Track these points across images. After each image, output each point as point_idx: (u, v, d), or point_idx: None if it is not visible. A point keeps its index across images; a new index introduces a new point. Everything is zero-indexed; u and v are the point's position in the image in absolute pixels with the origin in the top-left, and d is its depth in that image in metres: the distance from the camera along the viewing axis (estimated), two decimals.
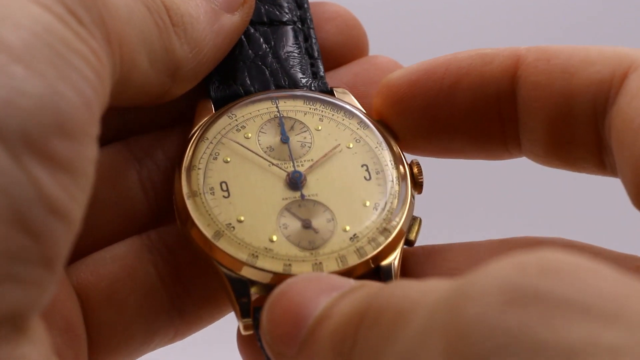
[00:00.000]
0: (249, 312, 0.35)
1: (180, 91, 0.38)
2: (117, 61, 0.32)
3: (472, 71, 0.38)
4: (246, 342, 0.37)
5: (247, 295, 0.35)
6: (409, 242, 0.38)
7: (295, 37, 0.42)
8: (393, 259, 0.37)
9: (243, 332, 0.36)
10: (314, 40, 0.42)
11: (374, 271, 0.36)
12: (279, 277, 0.35)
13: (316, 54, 0.42)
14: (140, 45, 0.34)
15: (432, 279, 0.28)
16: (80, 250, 0.37)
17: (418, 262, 0.39)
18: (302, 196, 0.37)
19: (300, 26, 0.42)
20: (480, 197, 0.86)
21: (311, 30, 0.42)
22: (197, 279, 0.39)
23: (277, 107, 0.40)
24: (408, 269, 0.38)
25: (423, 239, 0.39)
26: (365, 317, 0.29)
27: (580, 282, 0.24)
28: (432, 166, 0.42)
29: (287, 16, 0.42)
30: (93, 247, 0.39)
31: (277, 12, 0.42)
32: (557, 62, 0.37)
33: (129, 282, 0.38)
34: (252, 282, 0.35)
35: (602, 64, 0.35)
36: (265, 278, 0.35)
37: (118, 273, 0.38)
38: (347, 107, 0.40)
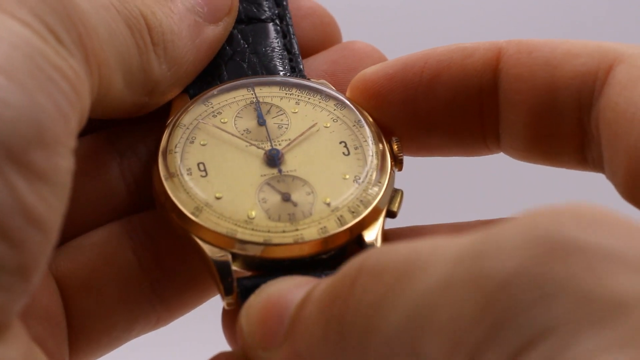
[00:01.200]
0: (232, 289, 0.35)
1: (157, 105, 0.38)
2: (95, 81, 0.32)
3: (453, 65, 0.38)
4: (231, 321, 0.36)
5: (230, 275, 0.35)
6: (391, 213, 0.38)
7: (274, 34, 0.42)
8: (376, 235, 0.36)
9: (226, 308, 0.35)
10: (292, 37, 0.42)
11: (356, 243, 0.36)
12: (260, 249, 0.35)
13: (295, 49, 0.42)
14: (118, 67, 0.34)
15: (432, 238, 0.28)
16: (60, 239, 0.37)
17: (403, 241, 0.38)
18: (280, 171, 0.37)
19: (278, 23, 0.42)
20: (462, 191, 0.86)
21: (290, 27, 0.42)
22: (177, 264, 0.39)
23: (253, 93, 0.40)
24: None
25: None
26: (357, 279, 0.28)
27: (619, 234, 0.24)
28: (414, 161, 0.41)
29: (265, 14, 0.42)
30: (72, 236, 0.39)
31: (256, 10, 0.42)
32: (540, 54, 0.36)
33: (108, 269, 0.38)
34: (234, 256, 0.35)
35: (587, 57, 0.35)
36: (246, 250, 0.35)
37: (97, 260, 0.38)
38: (324, 89, 0.40)
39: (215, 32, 0.39)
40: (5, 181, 0.28)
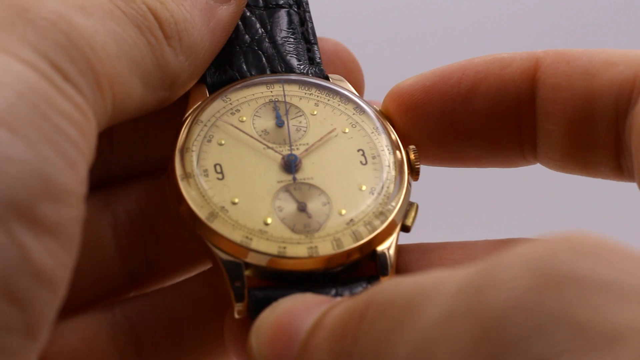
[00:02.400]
0: (243, 295, 0.34)
1: (180, 94, 0.38)
2: (108, 102, 0.32)
3: (490, 75, 0.38)
4: (234, 333, 0.36)
5: (241, 279, 0.35)
6: (406, 228, 0.37)
7: (291, 20, 0.41)
8: (389, 246, 0.36)
9: (236, 316, 0.35)
10: (309, 25, 0.41)
11: (370, 257, 0.36)
12: (274, 260, 0.35)
13: (312, 38, 0.41)
14: (133, 73, 0.34)
15: (435, 270, 0.28)
16: None
17: (413, 260, 0.38)
18: (294, 179, 0.37)
19: (296, 9, 0.42)
20: (474, 199, 0.86)
21: (307, 14, 0.42)
22: (157, 355, 0.38)
23: (271, 91, 0.39)
24: (403, 266, 0.38)
25: (417, 238, 0.38)
26: (366, 313, 0.28)
27: (615, 264, 0.24)
28: (429, 169, 0.41)
29: None
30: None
31: None
32: (578, 63, 0.36)
33: (87, 356, 0.37)
34: (247, 265, 0.35)
35: (625, 65, 0.35)
36: (260, 260, 0.35)
37: (77, 346, 0.37)
38: (343, 92, 0.39)
39: (228, 11, 0.38)
40: (13, 239, 0.28)
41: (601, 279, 0.23)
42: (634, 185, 0.36)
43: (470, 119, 0.38)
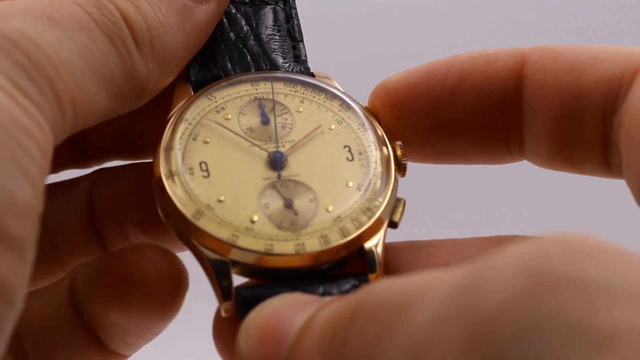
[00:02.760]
0: (230, 294, 0.34)
1: (149, 99, 0.37)
2: (68, 118, 0.32)
3: (476, 72, 0.38)
4: (222, 331, 0.36)
5: (228, 278, 0.34)
6: (393, 224, 0.37)
7: (277, 17, 0.41)
8: (377, 243, 0.36)
9: (224, 315, 0.35)
10: (295, 22, 0.41)
11: (357, 254, 0.36)
12: (261, 258, 0.34)
13: (298, 35, 0.41)
14: (99, 87, 0.33)
15: (425, 271, 0.27)
16: None
17: (402, 258, 0.38)
18: (279, 176, 0.36)
19: (282, 6, 0.41)
20: (463, 196, 0.86)
21: (293, 11, 0.41)
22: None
23: (256, 89, 0.39)
24: (392, 264, 0.38)
25: (406, 236, 0.38)
26: (356, 315, 0.28)
27: (608, 264, 0.24)
28: (417, 166, 0.41)
29: None
30: None
31: None
32: (565, 60, 0.36)
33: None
34: (234, 263, 0.35)
35: (613, 62, 0.35)
36: (246, 258, 0.35)
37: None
38: (329, 89, 0.39)
39: (208, 11, 0.37)
40: None
41: (595, 280, 0.23)
42: (622, 181, 0.36)
43: (456, 116, 0.38)
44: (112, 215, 0.40)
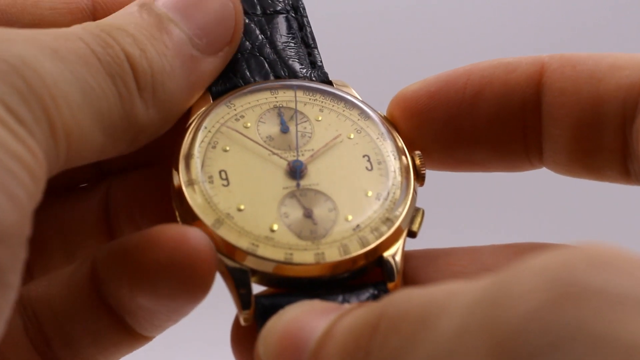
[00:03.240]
0: (250, 303, 0.34)
1: (143, 144, 0.36)
2: (62, 150, 0.31)
3: (496, 80, 0.38)
4: (240, 341, 0.36)
5: (247, 286, 0.34)
6: (412, 234, 0.37)
7: (290, 26, 0.41)
8: (395, 253, 0.36)
9: (243, 324, 0.34)
10: (308, 29, 0.41)
11: (376, 263, 0.36)
12: (280, 267, 0.34)
13: (312, 42, 0.41)
14: (95, 125, 0.33)
15: (447, 282, 0.27)
16: None
17: (420, 266, 0.37)
18: (298, 185, 0.36)
19: (293, 15, 0.41)
20: (479, 203, 0.85)
21: (305, 19, 0.41)
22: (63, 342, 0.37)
23: (275, 97, 0.39)
24: (410, 273, 0.37)
25: (423, 243, 0.38)
26: (378, 326, 0.28)
27: (630, 276, 0.24)
28: (434, 173, 0.41)
29: (280, 5, 0.41)
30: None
31: (270, 1, 0.41)
32: (584, 67, 0.36)
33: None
34: (254, 272, 0.35)
35: (632, 69, 0.35)
36: (267, 267, 0.34)
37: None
38: (348, 97, 0.39)
39: (213, 65, 0.37)
40: None
41: (618, 291, 0.23)
42: None
43: (476, 124, 0.38)
44: (128, 220, 0.40)
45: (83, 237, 0.40)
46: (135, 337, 0.37)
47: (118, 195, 0.40)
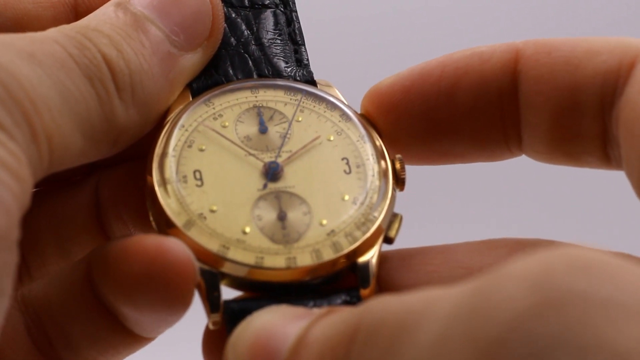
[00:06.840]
0: (218, 306, 0.34)
1: (126, 146, 0.36)
2: (44, 154, 0.31)
3: (470, 70, 0.37)
4: (211, 346, 0.35)
5: (217, 289, 0.34)
6: (389, 239, 0.36)
7: (278, 21, 0.40)
8: (370, 259, 0.35)
9: (211, 327, 0.34)
10: (296, 25, 0.40)
11: (350, 269, 0.35)
12: (251, 271, 0.34)
13: (300, 39, 0.40)
14: (75, 128, 0.32)
15: (424, 289, 0.27)
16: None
17: (393, 267, 0.37)
18: (265, 186, 0.36)
19: (282, 9, 0.41)
20: (456, 193, 0.85)
21: (294, 14, 0.41)
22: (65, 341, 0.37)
23: (255, 96, 0.38)
24: (384, 274, 0.37)
25: (402, 240, 0.38)
26: (355, 336, 0.27)
27: (613, 280, 0.23)
28: (409, 168, 0.40)
29: None
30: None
31: None
32: (559, 54, 0.36)
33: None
34: (223, 275, 0.34)
35: (608, 54, 0.35)
36: (236, 270, 0.34)
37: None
38: (330, 98, 0.39)
39: (192, 60, 0.37)
40: None
41: (601, 296, 0.23)
42: (621, 173, 0.36)
43: (453, 116, 0.38)
44: (115, 215, 0.40)
45: (76, 231, 0.40)
46: (135, 338, 0.37)
47: (105, 190, 0.40)
